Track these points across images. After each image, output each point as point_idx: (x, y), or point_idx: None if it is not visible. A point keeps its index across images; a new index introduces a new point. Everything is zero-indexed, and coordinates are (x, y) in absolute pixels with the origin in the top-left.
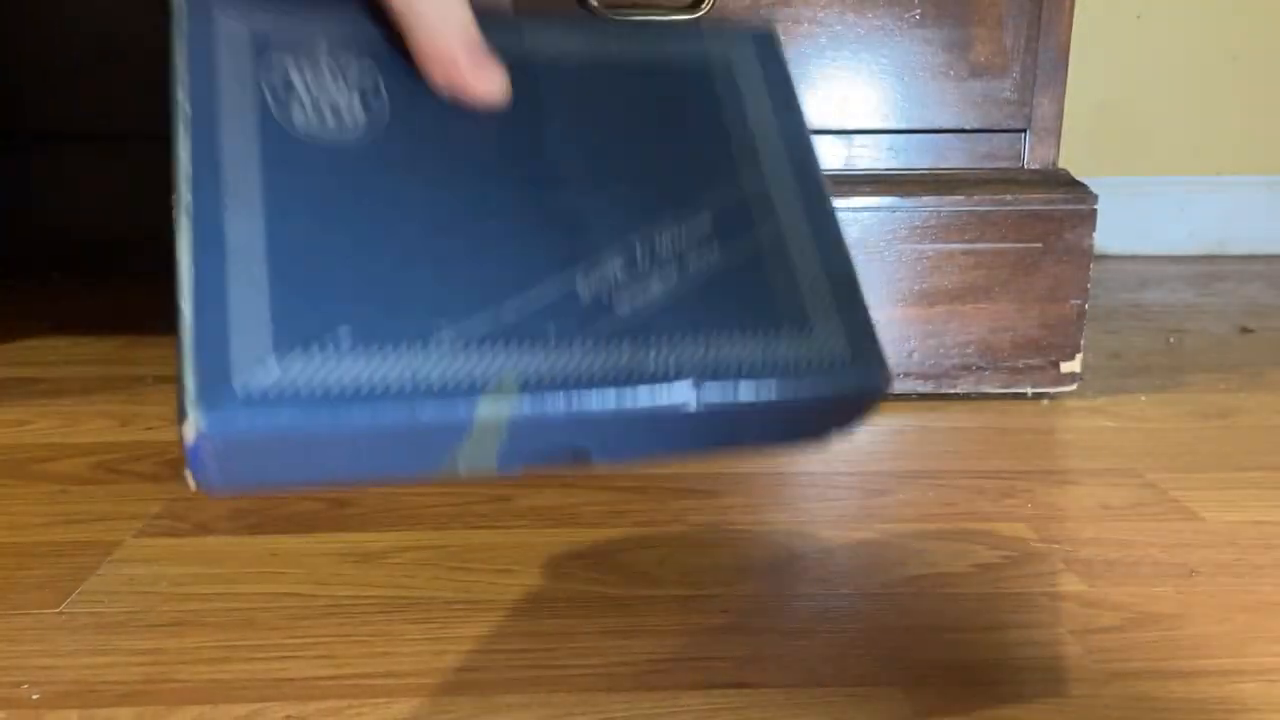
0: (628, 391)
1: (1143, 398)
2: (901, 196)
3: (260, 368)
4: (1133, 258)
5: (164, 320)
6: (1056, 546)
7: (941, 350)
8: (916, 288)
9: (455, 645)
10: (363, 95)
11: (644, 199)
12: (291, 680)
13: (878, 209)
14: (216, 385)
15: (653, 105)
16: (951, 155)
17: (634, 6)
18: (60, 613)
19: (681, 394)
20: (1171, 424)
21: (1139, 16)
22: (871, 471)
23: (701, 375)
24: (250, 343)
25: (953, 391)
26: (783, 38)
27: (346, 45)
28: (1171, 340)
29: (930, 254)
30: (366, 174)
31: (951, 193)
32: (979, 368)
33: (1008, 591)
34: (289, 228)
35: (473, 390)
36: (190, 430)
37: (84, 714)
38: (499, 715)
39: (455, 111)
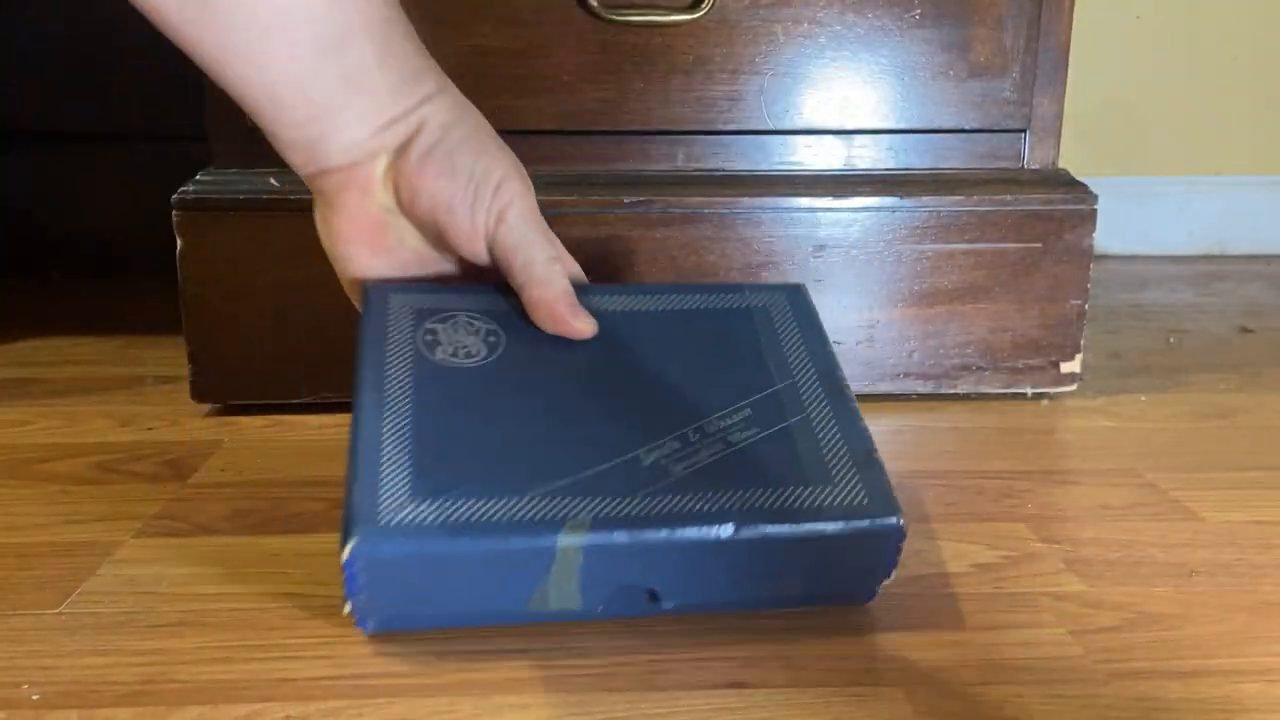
0: (678, 530)
1: (1143, 398)
2: (901, 196)
3: (400, 511)
4: (1133, 258)
5: (164, 320)
6: (1056, 546)
7: (941, 350)
8: (916, 288)
9: (455, 645)
10: (487, 339)
11: (697, 400)
12: (291, 680)
13: (878, 209)
14: (368, 521)
15: (705, 337)
16: (951, 155)
17: (632, 7)
18: (60, 613)
19: (723, 532)
20: (1171, 424)
21: (1139, 17)
22: None
23: (739, 517)
24: (395, 494)
25: (953, 391)
26: (782, 37)
27: (478, 311)
28: (1171, 340)
29: (930, 254)
30: (486, 386)
31: (951, 193)
32: (979, 368)
33: (1008, 591)
34: (429, 419)
35: (555, 526)
36: (347, 551)
37: (84, 714)
38: (499, 715)
39: (553, 348)
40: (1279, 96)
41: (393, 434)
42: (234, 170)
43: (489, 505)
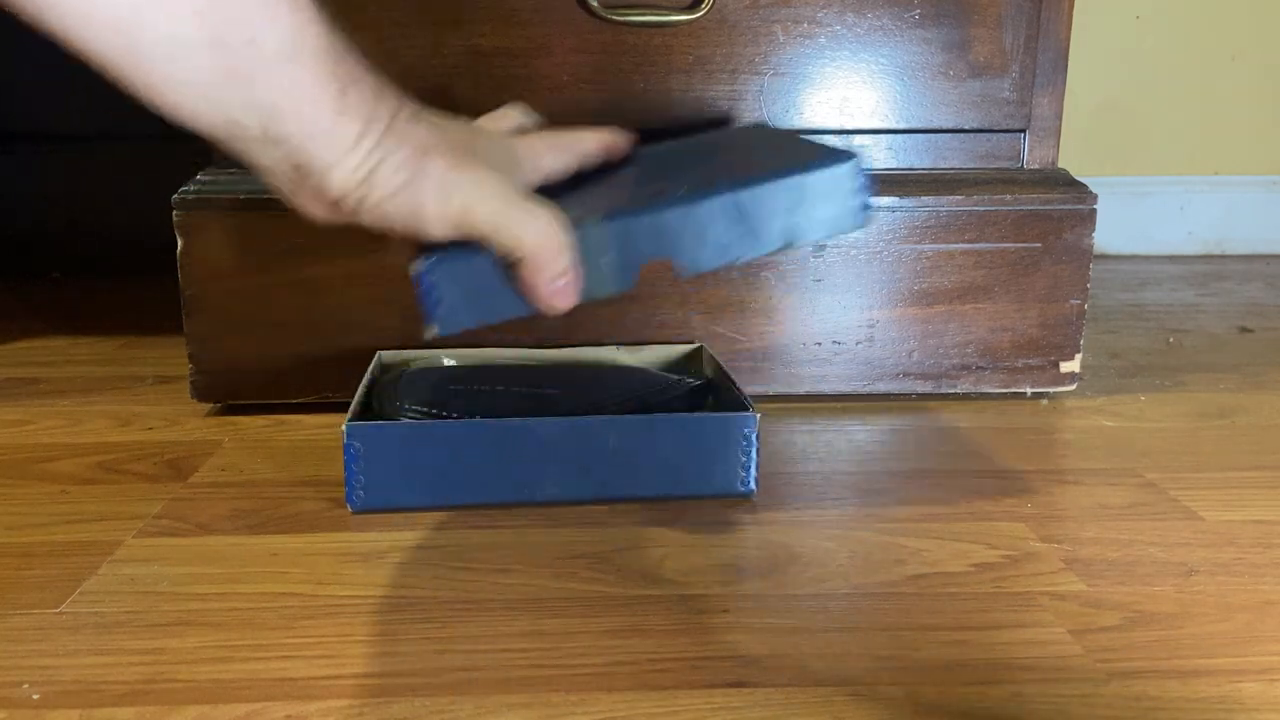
0: (679, 208)
1: (1142, 398)
2: (901, 196)
3: None
4: (1132, 258)
5: (164, 320)
6: (1056, 546)
7: (941, 350)
8: (916, 288)
9: (455, 645)
10: None
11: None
12: (291, 680)
13: (877, 209)
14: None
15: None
16: (951, 155)
17: (632, 7)
18: (60, 613)
19: (711, 195)
20: (1171, 424)
21: (1139, 16)
22: (871, 471)
23: (735, 187)
24: None
25: (952, 391)
26: (782, 37)
27: None
28: (1171, 340)
29: (930, 254)
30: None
31: (951, 193)
32: (979, 368)
33: (1008, 591)
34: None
35: (577, 225)
36: (423, 264)
37: (84, 714)
38: (499, 715)
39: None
40: (1278, 96)
41: None
42: (234, 170)
43: None
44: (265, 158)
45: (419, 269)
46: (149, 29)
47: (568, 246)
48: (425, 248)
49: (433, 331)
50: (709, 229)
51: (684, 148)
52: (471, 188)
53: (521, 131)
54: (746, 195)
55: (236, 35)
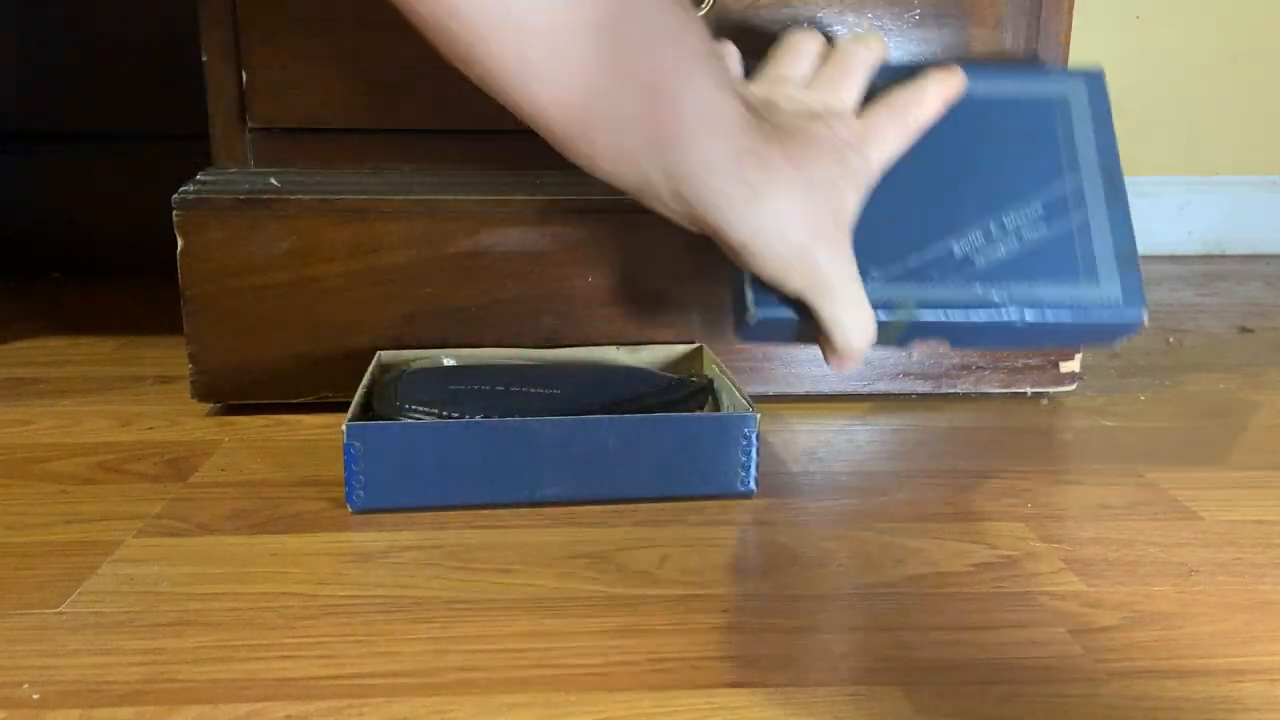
0: (979, 318)
1: (1143, 397)
2: None
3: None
4: None
5: (164, 320)
6: (1056, 546)
7: (941, 350)
8: None
9: (455, 645)
10: None
11: (1000, 193)
12: (291, 680)
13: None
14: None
15: (1010, 129)
16: None
17: None
18: (60, 613)
19: (1012, 316)
20: (1171, 424)
21: (1138, 17)
22: (871, 471)
23: (1026, 307)
24: None
25: (953, 391)
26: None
27: None
28: (1171, 340)
29: None
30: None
31: None
32: (979, 367)
33: (1008, 591)
34: None
35: (890, 307)
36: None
37: (84, 714)
38: (499, 715)
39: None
40: (1278, 96)
41: None
42: (234, 170)
43: None
44: (669, 213)
45: (751, 317)
46: (600, 112)
47: (874, 341)
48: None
49: (739, 341)
50: (996, 337)
51: (940, 146)
52: (824, 268)
53: (821, 56)
54: (1048, 318)
55: (666, 114)
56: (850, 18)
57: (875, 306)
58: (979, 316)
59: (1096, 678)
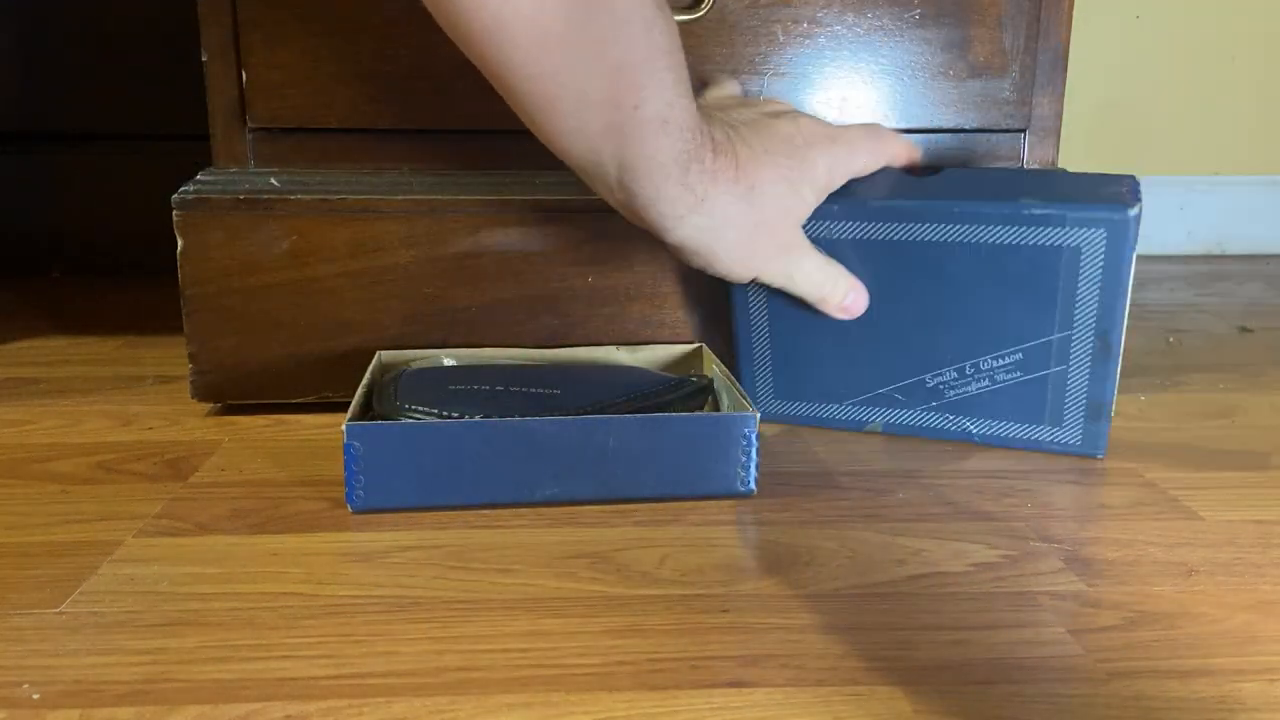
0: (939, 432)
1: (1143, 398)
2: None
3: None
4: None
5: (164, 320)
6: (1056, 546)
7: None
8: None
9: (455, 645)
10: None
11: (983, 339)
12: (291, 680)
13: None
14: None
15: (1010, 279)
16: (951, 155)
17: None
18: (60, 613)
19: (970, 434)
20: (1171, 424)
21: (1138, 16)
22: (871, 471)
23: (987, 439)
24: (763, 395)
25: None
26: (782, 37)
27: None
28: (1171, 340)
29: None
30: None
31: None
32: None
33: (1008, 591)
34: (781, 341)
35: (860, 425)
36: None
37: (84, 713)
38: (499, 715)
39: (888, 276)
40: (1278, 96)
41: (760, 353)
42: (234, 170)
43: (820, 408)
44: (612, 199)
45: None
46: (568, 86)
47: (854, 289)
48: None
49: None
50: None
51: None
52: (777, 266)
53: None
54: (1003, 444)
55: (628, 100)
56: (850, 17)
57: (844, 424)
58: (937, 433)
59: (1096, 678)
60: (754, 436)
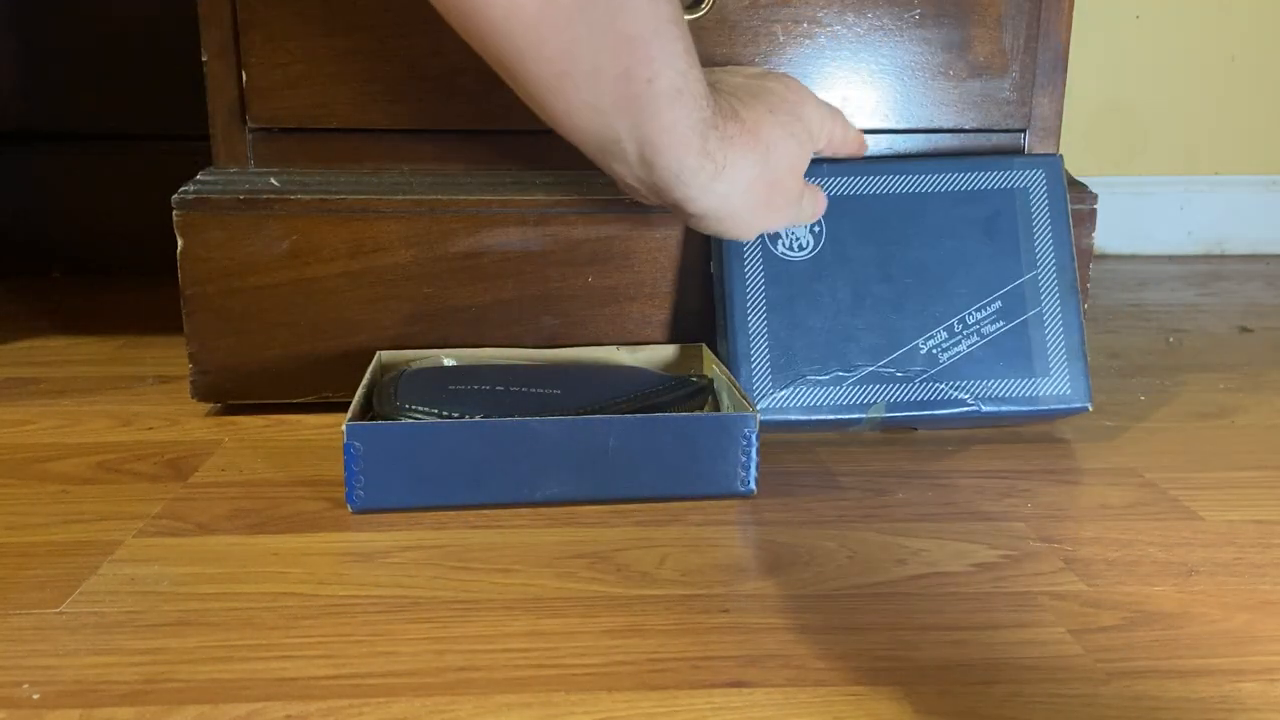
0: (943, 413)
1: (1143, 397)
2: None
3: (768, 399)
4: (1132, 258)
5: (164, 320)
6: (1056, 546)
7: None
8: None
9: (455, 645)
10: (812, 229)
11: (963, 290)
12: (291, 680)
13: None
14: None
15: (973, 223)
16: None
17: None
18: (60, 613)
19: (971, 410)
20: (1171, 424)
21: (1138, 17)
22: (871, 471)
23: (985, 402)
24: (759, 380)
25: None
26: (782, 37)
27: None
28: (1171, 340)
29: None
30: (812, 276)
31: None
32: None
33: (1008, 591)
34: (778, 316)
35: (863, 409)
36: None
37: (84, 714)
38: (499, 715)
39: (856, 238)
40: (1278, 96)
41: (756, 330)
42: (234, 170)
43: (819, 392)
44: (631, 176)
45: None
46: (580, 61)
47: (819, 195)
48: None
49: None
50: (957, 423)
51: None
52: (785, 216)
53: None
54: (1004, 410)
55: (641, 72)
56: (850, 17)
57: (848, 408)
58: (942, 411)
59: (1096, 678)
60: (754, 436)
